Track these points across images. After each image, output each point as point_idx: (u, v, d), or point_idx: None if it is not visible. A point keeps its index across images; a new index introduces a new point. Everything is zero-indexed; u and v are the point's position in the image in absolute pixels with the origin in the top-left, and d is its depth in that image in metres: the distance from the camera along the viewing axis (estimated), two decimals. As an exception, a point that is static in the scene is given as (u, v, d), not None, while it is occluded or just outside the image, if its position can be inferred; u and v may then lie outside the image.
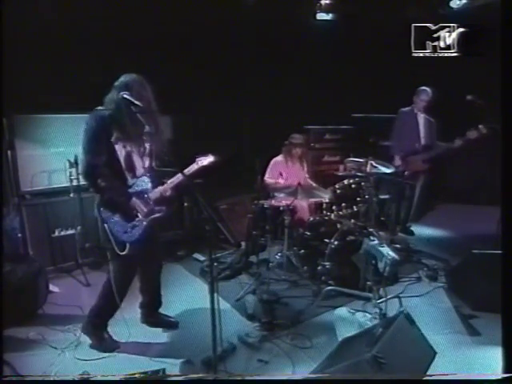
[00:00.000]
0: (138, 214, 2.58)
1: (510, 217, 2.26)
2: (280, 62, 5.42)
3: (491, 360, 2.44)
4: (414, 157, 4.64)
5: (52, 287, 3.51)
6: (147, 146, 2.66)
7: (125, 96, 2.49)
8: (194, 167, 2.71)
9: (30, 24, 3.82)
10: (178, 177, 2.63)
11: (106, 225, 2.52)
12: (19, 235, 3.67)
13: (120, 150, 2.49)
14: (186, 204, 4.54)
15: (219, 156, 2.80)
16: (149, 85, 2.55)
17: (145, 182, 2.65)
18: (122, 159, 2.50)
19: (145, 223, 2.63)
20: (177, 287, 3.66)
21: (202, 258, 4.20)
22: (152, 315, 3.03)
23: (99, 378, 2.38)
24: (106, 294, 2.71)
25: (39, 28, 3.89)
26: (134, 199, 2.55)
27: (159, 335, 2.93)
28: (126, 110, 2.42)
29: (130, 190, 2.58)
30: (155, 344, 2.81)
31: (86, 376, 2.38)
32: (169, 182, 2.65)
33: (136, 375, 2.38)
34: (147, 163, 2.68)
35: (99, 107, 2.49)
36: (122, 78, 2.52)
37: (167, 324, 3.04)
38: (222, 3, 4.62)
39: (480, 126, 4.17)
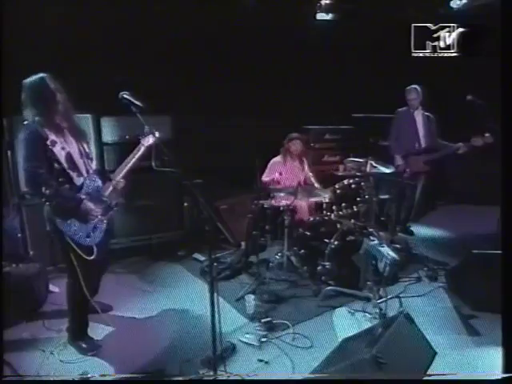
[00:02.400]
0: (96, 215, 2.50)
1: (510, 217, 2.26)
2: (280, 61, 5.42)
3: (491, 360, 2.45)
4: (414, 157, 4.63)
5: (52, 287, 3.51)
6: (85, 146, 2.61)
7: (125, 96, 2.50)
8: (140, 149, 2.60)
9: (30, 24, 3.83)
10: (127, 163, 2.59)
11: (66, 236, 2.44)
12: (19, 235, 3.67)
13: (59, 152, 2.40)
14: (185, 204, 4.53)
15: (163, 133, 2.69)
16: (57, 84, 2.47)
17: (94, 181, 2.57)
18: (63, 160, 2.41)
19: (105, 222, 2.60)
20: (177, 287, 3.66)
21: (202, 258, 4.19)
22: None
23: (99, 378, 2.38)
24: (71, 306, 2.71)
25: (39, 28, 3.90)
26: (84, 202, 2.44)
27: (159, 335, 2.93)
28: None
29: (82, 192, 2.48)
30: (155, 344, 2.80)
31: (86, 376, 2.38)
32: (116, 173, 2.59)
33: (136, 375, 2.38)
34: (89, 162, 2.60)
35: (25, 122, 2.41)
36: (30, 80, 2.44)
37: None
38: (222, 4, 4.62)
39: (486, 135, 4.09)
